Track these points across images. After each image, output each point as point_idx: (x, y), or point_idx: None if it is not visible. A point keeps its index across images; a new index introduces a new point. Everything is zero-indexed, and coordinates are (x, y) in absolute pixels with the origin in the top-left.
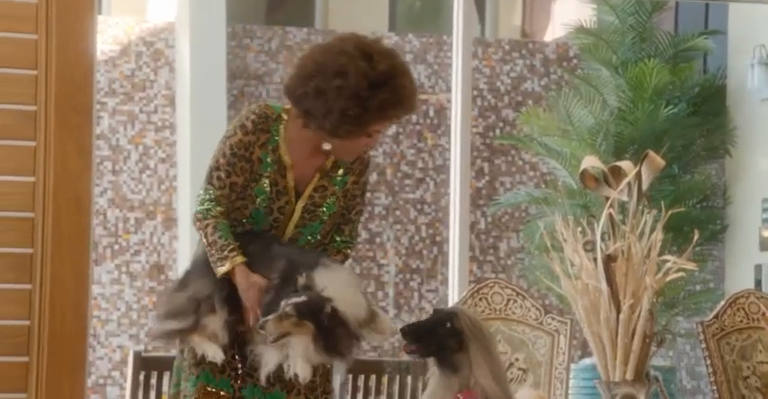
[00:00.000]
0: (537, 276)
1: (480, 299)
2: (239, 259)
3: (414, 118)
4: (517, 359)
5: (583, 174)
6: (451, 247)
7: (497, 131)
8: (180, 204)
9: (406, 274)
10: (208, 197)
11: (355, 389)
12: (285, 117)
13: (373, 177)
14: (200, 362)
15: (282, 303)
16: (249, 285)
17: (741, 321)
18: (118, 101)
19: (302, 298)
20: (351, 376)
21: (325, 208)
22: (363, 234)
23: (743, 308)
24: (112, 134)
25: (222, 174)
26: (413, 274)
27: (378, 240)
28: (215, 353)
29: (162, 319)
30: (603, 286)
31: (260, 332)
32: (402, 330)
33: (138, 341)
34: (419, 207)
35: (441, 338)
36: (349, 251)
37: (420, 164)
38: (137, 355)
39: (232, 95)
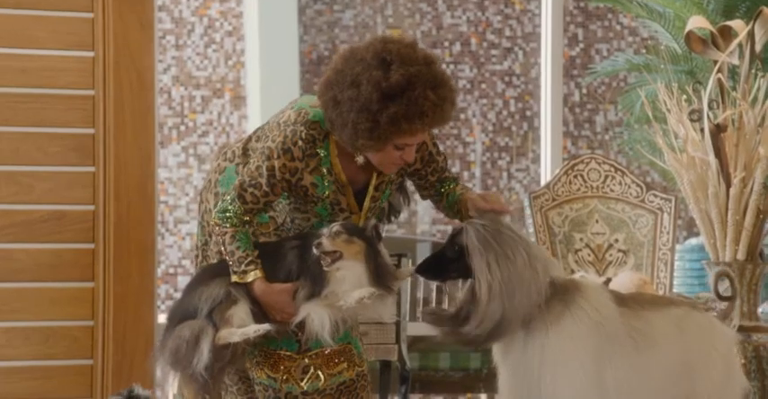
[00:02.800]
0: (637, 150)
1: (575, 177)
2: (258, 273)
3: None
4: (616, 240)
5: (688, 37)
6: (543, 122)
7: None
8: (249, 80)
9: (493, 152)
10: (233, 208)
11: None
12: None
13: (456, 47)
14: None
15: (326, 229)
16: (276, 293)
17: None
18: None
19: (344, 221)
20: None
21: (382, 200)
22: None
23: None
24: (175, 5)
25: (258, 193)
26: (501, 152)
27: (462, 116)
28: (259, 326)
29: (173, 328)
30: (712, 158)
31: (315, 251)
32: (417, 271)
33: None
34: (507, 79)
35: (450, 264)
36: (461, 182)
37: (508, 32)
38: None
39: None
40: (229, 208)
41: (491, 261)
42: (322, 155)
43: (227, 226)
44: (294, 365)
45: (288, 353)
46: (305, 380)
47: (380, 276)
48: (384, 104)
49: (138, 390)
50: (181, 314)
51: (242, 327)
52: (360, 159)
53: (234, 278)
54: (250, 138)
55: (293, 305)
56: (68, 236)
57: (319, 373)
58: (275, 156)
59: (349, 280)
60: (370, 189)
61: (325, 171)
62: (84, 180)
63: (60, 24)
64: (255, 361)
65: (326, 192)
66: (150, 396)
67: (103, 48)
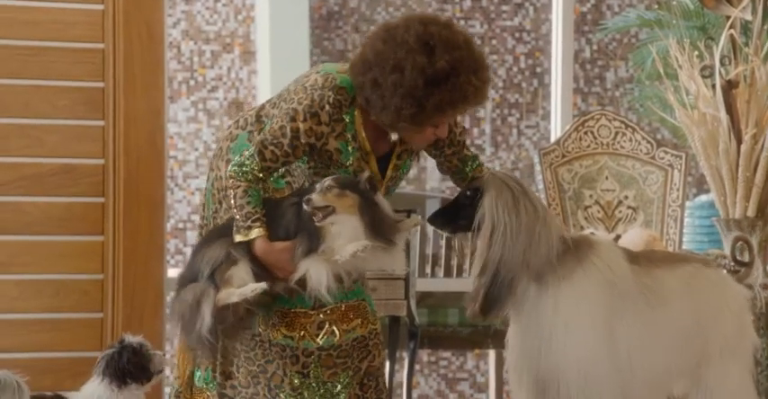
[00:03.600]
0: (648, 107)
1: (586, 133)
2: (261, 231)
3: None
4: (626, 197)
5: None
6: (553, 78)
7: None
8: (258, 35)
9: (503, 109)
10: (250, 163)
11: None
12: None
13: (467, 3)
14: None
15: (318, 184)
16: (277, 252)
17: None
18: None
19: (336, 176)
20: None
21: (404, 169)
22: None
23: None
24: None
25: (278, 152)
26: (511, 109)
27: None
28: (255, 285)
29: (179, 290)
30: (723, 115)
31: (306, 207)
32: (429, 221)
33: None
34: (518, 35)
35: (462, 212)
36: (482, 163)
37: None
38: None
39: None
40: (246, 162)
41: (500, 204)
42: (347, 120)
43: (242, 179)
44: (309, 321)
45: (302, 310)
46: (320, 336)
47: (378, 228)
48: (429, 90)
49: (130, 338)
50: (187, 279)
51: (241, 287)
52: (394, 136)
53: (237, 236)
54: (263, 106)
55: (293, 263)
56: (78, 190)
57: (334, 328)
58: (301, 119)
59: (344, 234)
60: (393, 157)
61: (349, 137)
62: (93, 133)
63: None
64: (271, 323)
65: (350, 159)
66: (144, 343)
67: (113, 0)
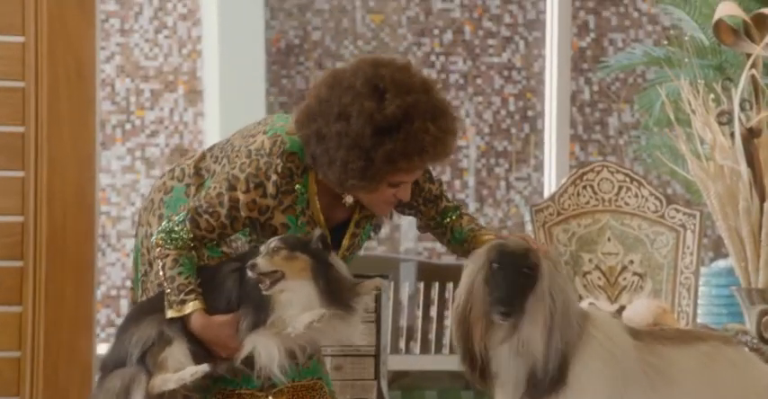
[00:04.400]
0: (657, 157)
1: (584, 187)
2: (198, 304)
3: None
4: (632, 262)
5: (717, 26)
6: (547, 124)
7: None
8: (206, 72)
9: (490, 158)
10: (180, 229)
11: (428, 300)
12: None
13: (447, 36)
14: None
15: (263, 246)
16: (216, 327)
17: None
18: None
19: (283, 235)
20: (423, 286)
21: (364, 237)
22: None
23: None
24: None
25: (214, 223)
26: (498, 158)
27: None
28: (195, 368)
29: (103, 378)
30: (743, 167)
31: (250, 273)
32: (503, 313)
33: None
34: (506, 73)
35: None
36: (465, 210)
37: (507, 19)
38: None
39: None
40: (176, 229)
41: (554, 286)
42: (299, 191)
43: (171, 247)
44: None
45: (248, 391)
46: None
47: (335, 293)
48: (378, 140)
49: None
50: (113, 363)
51: (179, 371)
52: (348, 199)
53: (169, 312)
54: (204, 156)
55: (237, 338)
56: None
57: None
58: (243, 189)
59: (297, 303)
60: (351, 225)
61: (299, 210)
62: (11, 186)
63: None
64: None
65: (299, 234)
66: None
67: (36, 32)
